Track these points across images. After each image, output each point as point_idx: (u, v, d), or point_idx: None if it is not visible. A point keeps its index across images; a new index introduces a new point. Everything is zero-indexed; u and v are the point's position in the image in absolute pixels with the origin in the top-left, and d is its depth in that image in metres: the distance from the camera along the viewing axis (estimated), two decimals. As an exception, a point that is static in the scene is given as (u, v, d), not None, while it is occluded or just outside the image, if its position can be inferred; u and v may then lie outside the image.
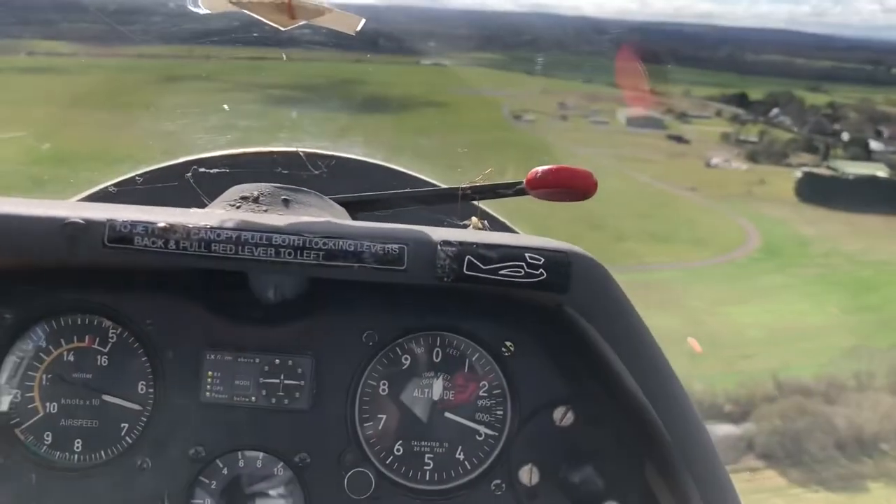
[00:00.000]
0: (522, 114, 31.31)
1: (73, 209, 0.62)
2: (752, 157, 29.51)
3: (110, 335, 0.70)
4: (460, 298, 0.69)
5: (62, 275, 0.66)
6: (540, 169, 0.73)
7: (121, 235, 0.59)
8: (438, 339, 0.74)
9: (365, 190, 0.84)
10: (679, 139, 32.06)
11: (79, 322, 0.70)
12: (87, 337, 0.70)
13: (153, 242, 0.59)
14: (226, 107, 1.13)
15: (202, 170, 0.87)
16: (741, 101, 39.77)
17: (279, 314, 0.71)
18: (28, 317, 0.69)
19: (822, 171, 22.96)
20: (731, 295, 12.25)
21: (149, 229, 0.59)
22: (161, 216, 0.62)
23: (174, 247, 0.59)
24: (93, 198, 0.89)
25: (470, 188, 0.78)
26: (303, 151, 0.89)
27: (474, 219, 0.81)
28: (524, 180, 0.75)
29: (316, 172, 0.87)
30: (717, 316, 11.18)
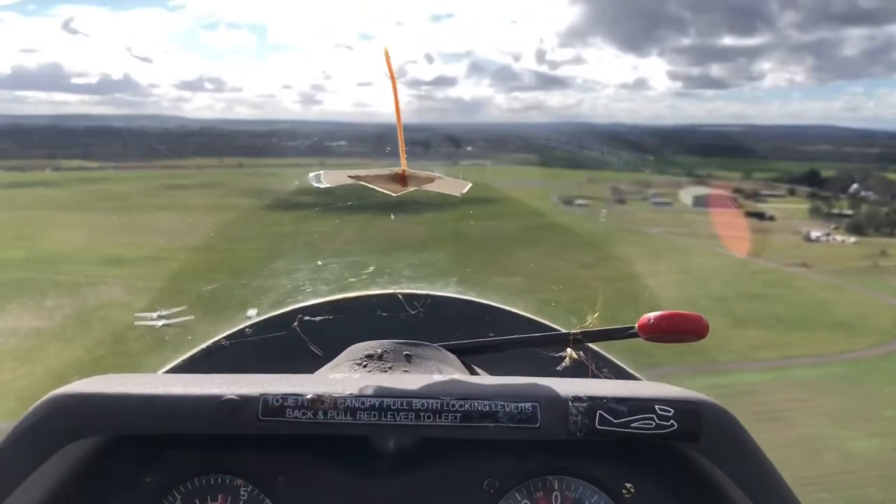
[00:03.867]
0: (573, 199, 30.41)
1: (225, 384, 0.65)
2: (857, 230, 26.58)
3: (242, 493, 0.71)
4: (578, 441, 0.65)
5: (199, 437, 0.67)
6: (651, 315, 0.73)
7: (274, 409, 0.63)
8: (557, 482, 0.72)
9: (459, 326, 0.88)
10: (761, 216, 29.49)
11: (212, 482, 0.71)
12: (219, 496, 0.71)
13: (303, 414, 0.63)
14: (319, 262, 1.12)
15: (307, 318, 0.91)
16: (812, 179, 37.70)
17: (401, 465, 0.71)
18: (166, 479, 0.71)
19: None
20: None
21: (299, 401, 0.63)
22: (307, 386, 0.64)
23: (322, 417, 0.63)
24: (209, 350, 0.91)
25: (581, 333, 0.78)
26: (401, 293, 0.93)
27: (570, 350, 0.80)
28: (636, 325, 0.74)
29: (413, 312, 0.92)
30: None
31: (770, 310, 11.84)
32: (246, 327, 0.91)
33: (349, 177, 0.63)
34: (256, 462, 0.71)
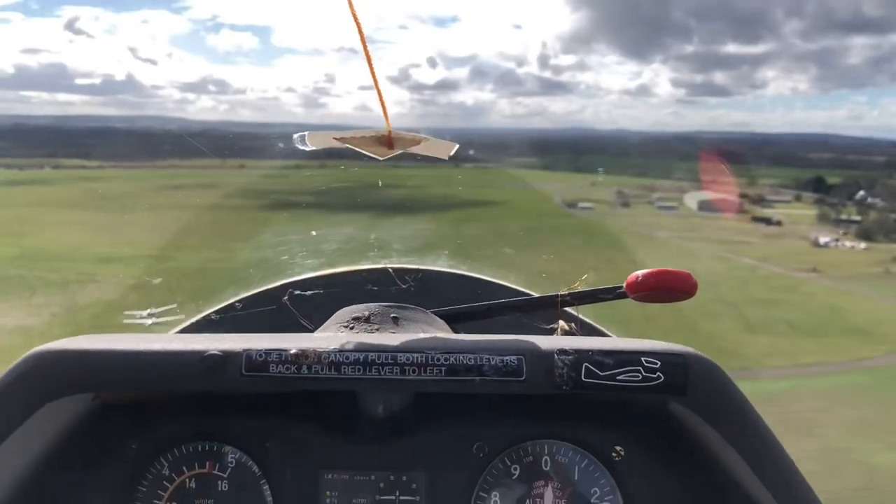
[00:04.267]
0: (577, 202, 30.79)
1: (209, 342, 0.64)
2: (866, 236, 26.51)
3: (229, 460, 0.72)
4: (567, 405, 0.70)
5: (186, 403, 0.71)
6: (640, 273, 0.71)
7: (257, 364, 0.62)
8: (546, 446, 0.73)
9: (451, 300, 0.85)
10: (768, 221, 29.72)
11: (199, 449, 0.72)
12: (207, 463, 0.72)
13: (287, 369, 0.62)
14: (314, 233, 1.09)
15: (297, 292, 0.90)
16: (818, 185, 37.85)
17: (389, 429, 0.72)
18: (153, 446, 0.72)
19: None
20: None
21: (283, 356, 0.62)
22: (291, 343, 0.64)
23: (307, 371, 0.62)
24: (198, 325, 0.91)
25: (569, 295, 0.78)
26: (391, 267, 0.92)
27: (562, 322, 0.81)
28: (624, 284, 0.74)
29: (404, 286, 0.90)
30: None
31: (781, 315, 11.51)
32: (235, 301, 0.90)
33: (334, 139, 0.62)
34: (243, 428, 0.70)
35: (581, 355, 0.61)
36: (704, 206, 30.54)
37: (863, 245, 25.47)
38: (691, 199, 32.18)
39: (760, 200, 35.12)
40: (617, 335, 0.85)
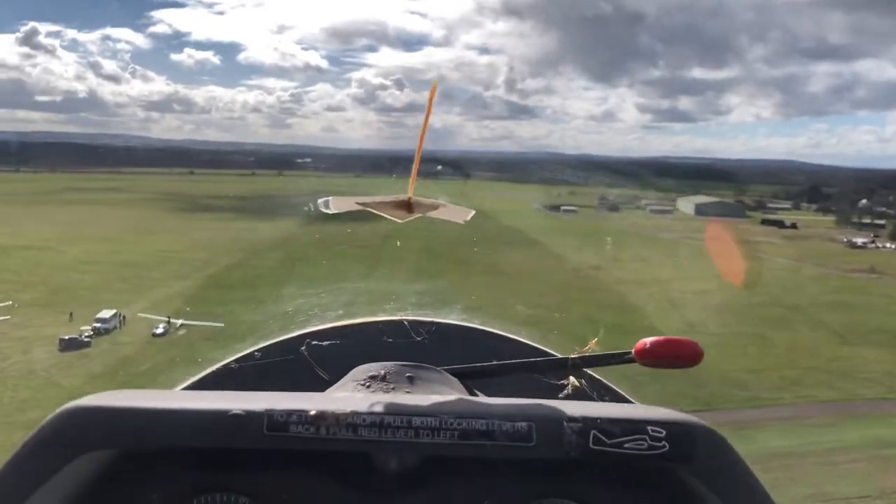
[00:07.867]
0: (559, 206, 28.98)
1: (232, 400, 0.67)
2: None
3: None
4: (577, 466, 0.68)
5: (208, 456, 0.70)
6: (648, 340, 0.75)
7: (278, 424, 0.65)
8: None
9: (464, 353, 0.89)
10: (781, 224, 27.79)
11: (217, 500, 0.71)
12: None
13: (307, 429, 0.64)
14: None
15: (315, 342, 0.93)
16: (814, 194, 36.66)
17: (402, 484, 0.72)
18: (172, 497, 0.71)
19: None
20: None
21: (302, 417, 0.65)
22: (310, 403, 0.67)
23: (325, 433, 0.64)
24: (218, 374, 0.94)
25: (579, 358, 0.80)
26: (406, 320, 0.95)
27: (572, 378, 0.83)
28: (633, 350, 0.76)
29: (419, 339, 0.94)
30: None
31: (873, 322, 8.42)
32: (255, 351, 0.92)
33: (356, 203, 0.65)
34: (260, 480, 0.71)
35: (589, 423, 0.63)
36: (702, 209, 27.89)
37: (907, 245, 24.32)
38: (686, 203, 29.60)
39: (761, 207, 33.61)
40: (625, 390, 0.85)
